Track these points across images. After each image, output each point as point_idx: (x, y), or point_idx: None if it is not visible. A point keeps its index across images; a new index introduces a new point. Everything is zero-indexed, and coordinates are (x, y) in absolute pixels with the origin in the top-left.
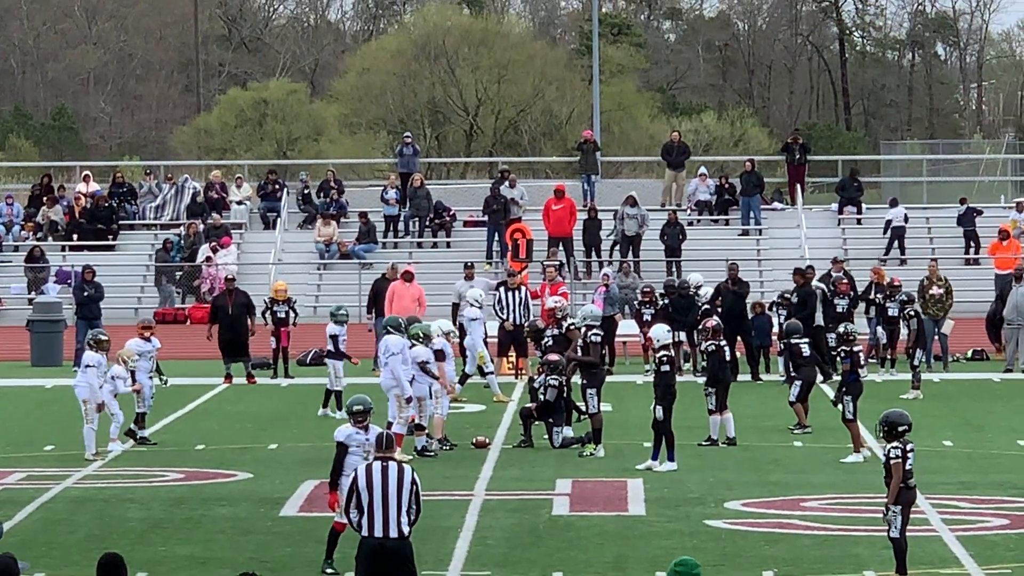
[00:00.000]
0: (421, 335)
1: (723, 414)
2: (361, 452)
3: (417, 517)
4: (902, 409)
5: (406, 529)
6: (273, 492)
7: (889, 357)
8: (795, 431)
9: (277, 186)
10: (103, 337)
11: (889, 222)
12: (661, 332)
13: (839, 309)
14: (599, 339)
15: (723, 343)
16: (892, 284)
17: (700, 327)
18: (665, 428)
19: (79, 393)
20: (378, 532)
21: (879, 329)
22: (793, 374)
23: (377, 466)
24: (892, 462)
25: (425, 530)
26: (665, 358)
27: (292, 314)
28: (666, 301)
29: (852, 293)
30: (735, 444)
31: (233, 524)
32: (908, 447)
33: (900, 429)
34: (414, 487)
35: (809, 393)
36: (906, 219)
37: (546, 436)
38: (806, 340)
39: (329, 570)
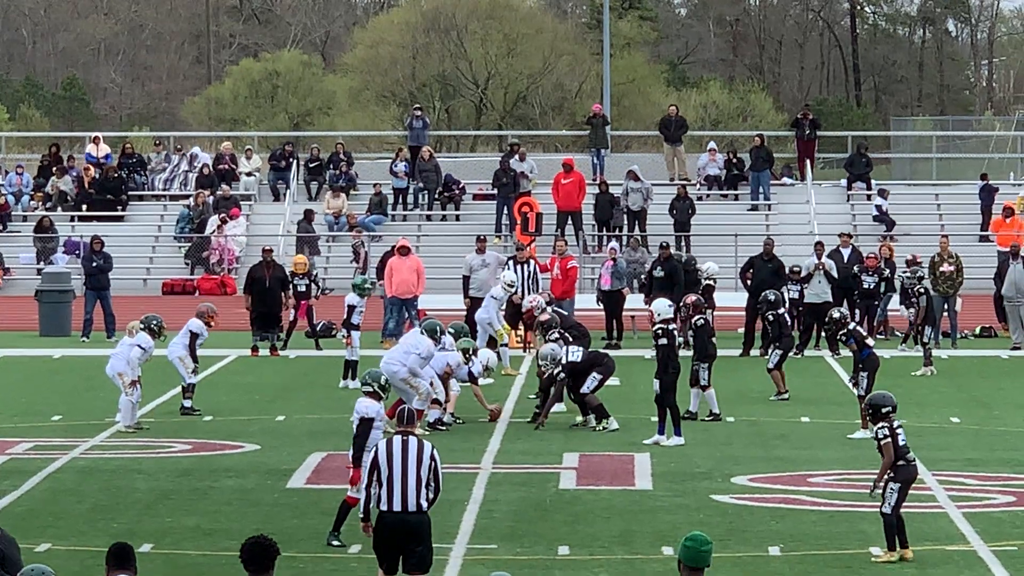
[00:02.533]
0: (471, 351)
1: (705, 389)
2: (383, 426)
3: (437, 494)
4: (886, 391)
5: (424, 504)
6: (280, 464)
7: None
8: (773, 399)
9: (291, 159)
10: (164, 325)
11: (879, 207)
12: (663, 306)
13: (867, 286)
14: (563, 378)
15: (707, 318)
16: (913, 260)
17: (681, 303)
18: (669, 402)
19: (116, 366)
20: (397, 506)
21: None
22: (776, 343)
23: (397, 440)
24: (882, 442)
25: None
26: (661, 331)
27: (314, 287)
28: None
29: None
30: (720, 419)
31: (240, 496)
32: (895, 424)
33: (884, 411)
34: (433, 462)
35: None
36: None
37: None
38: (778, 311)
39: (335, 542)
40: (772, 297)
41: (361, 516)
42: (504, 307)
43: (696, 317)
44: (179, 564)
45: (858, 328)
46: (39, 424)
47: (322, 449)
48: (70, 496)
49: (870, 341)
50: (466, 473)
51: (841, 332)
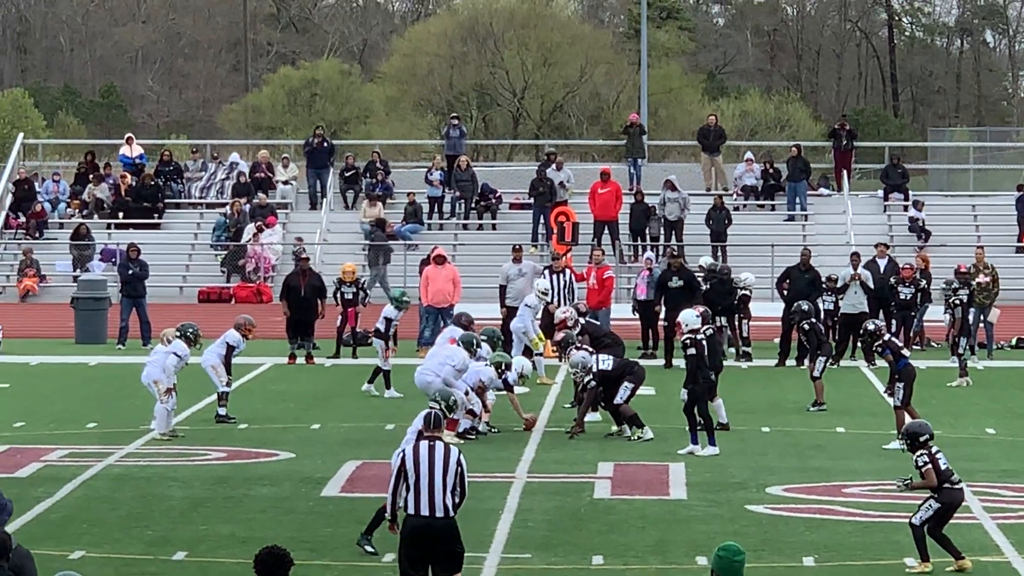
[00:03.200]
0: (503, 365)
1: (714, 400)
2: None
3: (463, 499)
4: (923, 420)
5: (451, 509)
6: (315, 472)
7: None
8: (811, 409)
9: (324, 143)
10: (200, 333)
11: (913, 218)
12: (690, 316)
13: (903, 296)
14: (594, 386)
15: (713, 329)
16: (959, 271)
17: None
18: (702, 412)
19: (151, 373)
20: (424, 511)
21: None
22: (818, 351)
23: (424, 445)
24: (923, 468)
25: (466, 511)
26: (690, 341)
27: (361, 294)
28: (706, 286)
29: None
30: (728, 428)
31: (275, 504)
32: (935, 450)
33: (922, 439)
34: (459, 468)
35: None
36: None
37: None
38: (811, 321)
39: (368, 547)
40: (805, 307)
41: (388, 517)
42: (539, 316)
43: (705, 327)
44: (213, 572)
45: (894, 339)
46: (74, 431)
47: (357, 458)
48: (104, 503)
49: (906, 352)
50: (501, 482)
51: (877, 344)
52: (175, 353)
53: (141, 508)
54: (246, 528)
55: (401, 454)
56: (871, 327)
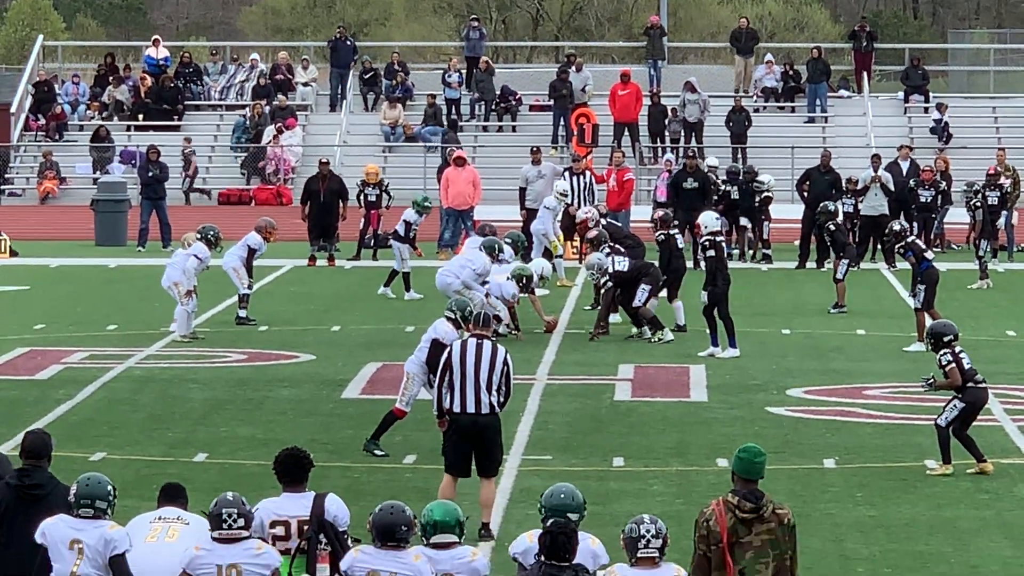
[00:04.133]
0: (524, 278)
1: (674, 303)
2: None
3: (507, 398)
4: (947, 320)
5: (497, 406)
6: (336, 374)
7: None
8: (831, 311)
9: (347, 41)
10: (220, 235)
11: (935, 120)
12: (710, 219)
13: (923, 199)
14: (611, 287)
15: (674, 232)
16: (990, 174)
17: (650, 218)
18: (722, 314)
19: (172, 275)
20: (471, 408)
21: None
22: (842, 253)
23: (472, 343)
24: (947, 368)
25: None
26: (709, 243)
27: (386, 196)
28: (730, 187)
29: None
30: (685, 331)
31: (295, 406)
32: (958, 350)
33: (946, 339)
34: (506, 367)
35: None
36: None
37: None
38: (837, 221)
39: (378, 451)
40: (831, 208)
41: (436, 413)
42: (560, 218)
43: (659, 232)
44: (234, 474)
45: (917, 241)
46: (95, 333)
47: (377, 359)
48: (125, 405)
49: (929, 254)
50: (521, 384)
51: (900, 245)
52: (196, 255)
53: (161, 410)
54: (266, 430)
55: (447, 351)
56: (896, 227)
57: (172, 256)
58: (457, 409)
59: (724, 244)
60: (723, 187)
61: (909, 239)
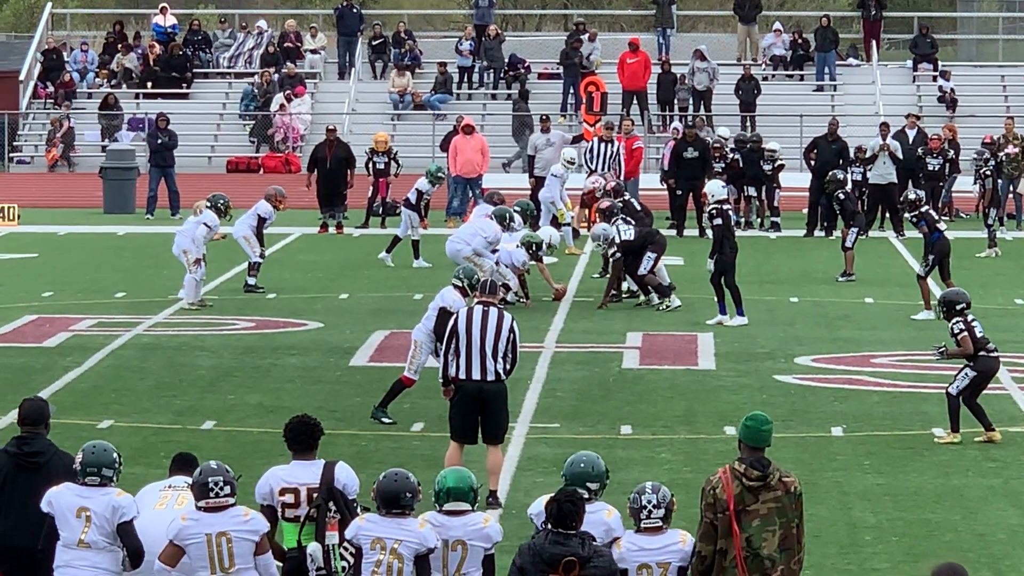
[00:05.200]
0: (534, 245)
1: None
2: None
3: (513, 365)
4: (960, 288)
5: (502, 373)
6: (343, 342)
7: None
8: (840, 279)
9: (354, 9)
10: (230, 204)
11: (942, 89)
12: (716, 187)
13: (931, 168)
14: (618, 257)
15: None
16: (986, 142)
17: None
18: (729, 282)
19: (181, 243)
20: (476, 375)
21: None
22: (851, 222)
23: (478, 310)
24: (959, 336)
25: None
26: (716, 211)
27: (394, 164)
28: (737, 155)
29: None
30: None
31: (303, 373)
32: (970, 318)
33: (959, 307)
34: (512, 335)
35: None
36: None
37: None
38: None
39: (385, 419)
40: (840, 176)
41: (441, 381)
42: (564, 184)
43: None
44: (241, 441)
45: (930, 212)
46: (103, 301)
47: (385, 327)
48: (133, 373)
49: (941, 224)
50: (529, 352)
51: (913, 214)
52: (205, 223)
53: (169, 377)
54: (274, 397)
55: (453, 318)
56: (912, 196)
57: (182, 224)
58: (463, 376)
59: (731, 212)
60: (730, 155)
61: (923, 208)
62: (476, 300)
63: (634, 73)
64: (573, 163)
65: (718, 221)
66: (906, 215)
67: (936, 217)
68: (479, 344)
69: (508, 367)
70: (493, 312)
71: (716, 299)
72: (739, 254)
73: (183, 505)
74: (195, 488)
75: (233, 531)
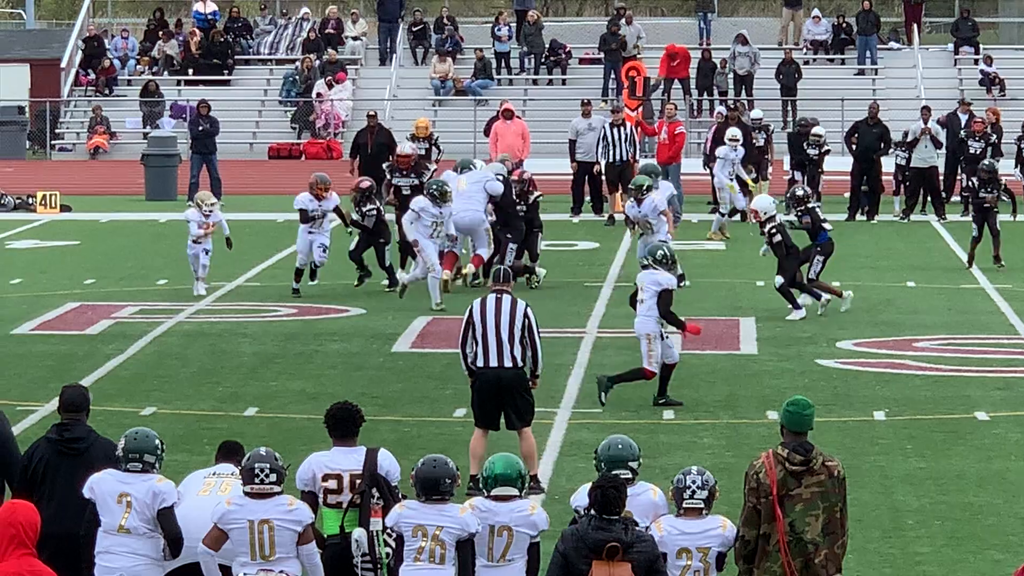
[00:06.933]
0: (645, 187)
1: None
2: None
3: (534, 351)
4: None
5: (519, 359)
6: (386, 328)
7: None
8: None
9: None
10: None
11: (984, 72)
12: (766, 203)
13: (972, 151)
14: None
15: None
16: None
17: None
18: (796, 284)
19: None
20: (493, 362)
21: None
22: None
23: (492, 299)
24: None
25: None
26: (774, 229)
27: (435, 150)
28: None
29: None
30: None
31: (345, 359)
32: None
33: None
34: (527, 320)
35: None
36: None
37: None
38: None
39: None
40: (800, 192)
41: (465, 372)
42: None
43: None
44: (284, 428)
45: (817, 209)
46: (145, 288)
47: (428, 313)
48: (175, 360)
49: (827, 225)
50: (572, 337)
51: (799, 209)
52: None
53: (212, 364)
54: (316, 384)
55: (469, 307)
56: (799, 193)
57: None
58: (480, 364)
59: (784, 226)
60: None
61: (810, 205)
62: (491, 288)
63: (674, 71)
64: (737, 140)
65: (777, 238)
66: (792, 212)
67: (822, 216)
68: (495, 331)
69: (531, 354)
70: (507, 299)
71: (788, 304)
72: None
73: (226, 492)
74: (243, 473)
75: (276, 519)
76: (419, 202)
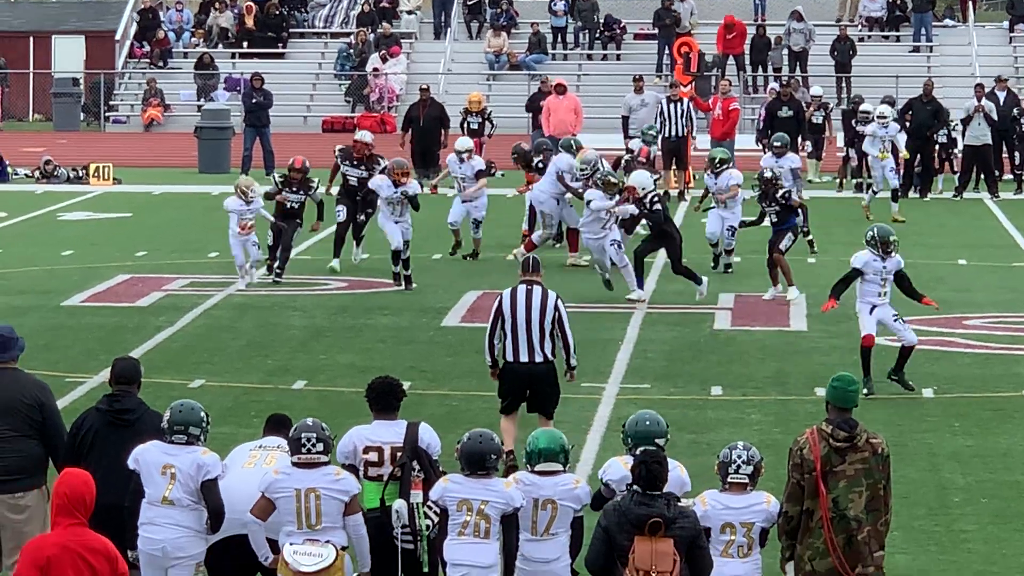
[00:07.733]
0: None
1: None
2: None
3: (566, 344)
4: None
5: (550, 354)
6: (435, 302)
7: None
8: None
9: None
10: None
11: None
12: (644, 179)
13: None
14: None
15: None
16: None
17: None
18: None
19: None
20: (524, 357)
21: None
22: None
23: (522, 289)
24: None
25: (586, 342)
26: (655, 199)
27: (488, 125)
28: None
29: None
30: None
31: (394, 333)
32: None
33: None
34: (557, 313)
35: None
36: None
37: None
38: None
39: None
40: (768, 175)
41: (489, 364)
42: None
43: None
44: (333, 401)
45: (794, 198)
46: (196, 260)
47: (477, 288)
48: (225, 332)
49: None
50: (621, 313)
51: (782, 192)
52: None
53: (261, 337)
54: (365, 357)
55: (498, 298)
56: (767, 175)
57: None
58: (510, 358)
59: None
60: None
61: (783, 191)
62: (520, 279)
63: (730, 44)
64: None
65: (657, 207)
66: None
67: (795, 204)
68: (525, 325)
69: (563, 345)
70: (537, 290)
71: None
72: (833, 216)
73: (271, 465)
74: (290, 443)
75: (323, 488)
76: (591, 194)
